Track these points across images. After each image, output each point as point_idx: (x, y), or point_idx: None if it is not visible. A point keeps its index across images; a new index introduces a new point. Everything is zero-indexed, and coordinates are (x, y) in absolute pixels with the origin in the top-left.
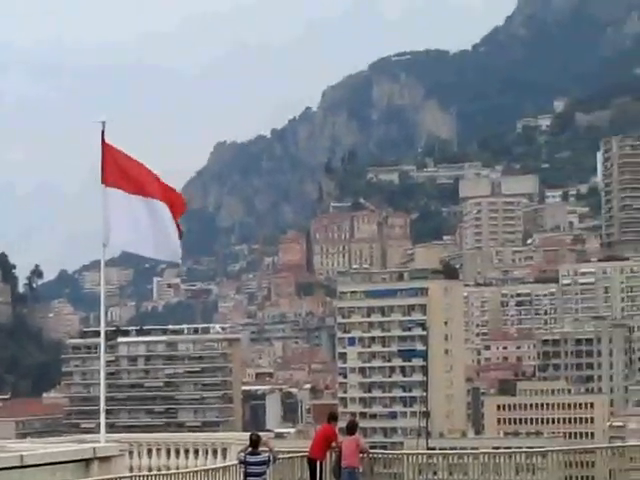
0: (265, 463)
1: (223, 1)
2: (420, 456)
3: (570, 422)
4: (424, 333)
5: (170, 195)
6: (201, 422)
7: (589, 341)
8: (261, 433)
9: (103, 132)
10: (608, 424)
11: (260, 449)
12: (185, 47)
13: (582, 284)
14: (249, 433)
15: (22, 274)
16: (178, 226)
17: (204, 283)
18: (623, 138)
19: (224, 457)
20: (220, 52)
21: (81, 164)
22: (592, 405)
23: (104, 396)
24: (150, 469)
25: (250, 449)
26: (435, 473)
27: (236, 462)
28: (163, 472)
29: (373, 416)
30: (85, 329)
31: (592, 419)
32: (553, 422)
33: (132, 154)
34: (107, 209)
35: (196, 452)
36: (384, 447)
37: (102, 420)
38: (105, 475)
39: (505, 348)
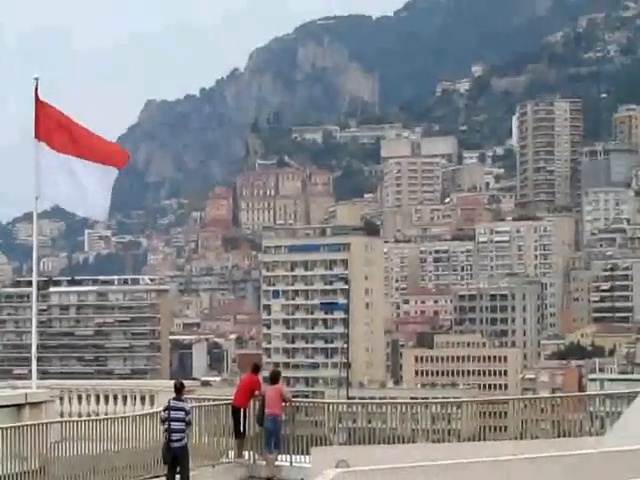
0: (184, 410)
1: None
2: (340, 405)
3: (485, 374)
4: (346, 287)
5: (109, 149)
6: (130, 370)
7: (503, 297)
8: (187, 381)
9: (37, 88)
10: (520, 377)
11: (183, 397)
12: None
13: (497, 242)
14: (175, 381)
15: None
16: (120, 157)
17: (134, 236)
18: (537, 103)
19: (152, 404)
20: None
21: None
22: (506, 358)
23: (36, 344)
24: (80, 415)
25: (174, 395)
26: (354, 421)
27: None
28: (92, 417)
29: (296, 366)
30: (18, 279)
31: (506, 372)
32: (468, 374)
33: (65, 110)
34: (39, 163)
35: (124, 399)
36: (306, 396)
37: (34, 367)
38: (36, 420)
39: (423, 302)
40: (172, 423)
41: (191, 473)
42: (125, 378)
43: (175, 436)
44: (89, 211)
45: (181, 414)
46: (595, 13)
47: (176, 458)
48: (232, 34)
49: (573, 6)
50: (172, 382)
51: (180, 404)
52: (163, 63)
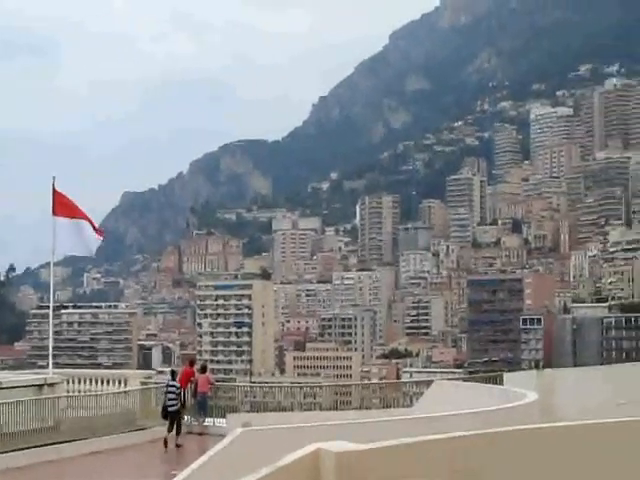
0: (176, 390)
1: None
2: (246, 386)
3: (338, 368)
4: (250, 312)
5: (92, 222)
6: (112, 363)
7: (350, 319)
8: (147, 371)
9: (53, 184)
10: (360, 370)
11: (175, 382)
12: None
13: (346, 284)
14: (170, 369)
15: (3, 269)
16: (99, 232)
17: (116, 278)
18: (372, 197)
19: (125, 385)
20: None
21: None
22: (351, 358)
23: (51, 346)
24: (80, 392)
25: (170, 378)
26: (255, 397)
27: (137, 388)
28: (87, 394)
29: (218, 362)
30: (41, 304)
31: (350, 367)
32: (327, 368)
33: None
34: (55, 230)
35: (108, 382)
36: (224, 381)
37: (50, 361)
38: (51, 395)
39: (299, 322)
40: (168, 395)
41: (151, 429)
42: (109, 368)
43: (170, 402)
44: (84, 251)
45: (174, 389)
46: (408, 141)
47: (173, 416)
48: (179, 149)
49: (395, 135)
50: (140, 372)
51: (173, 383)
52: (135, 167)
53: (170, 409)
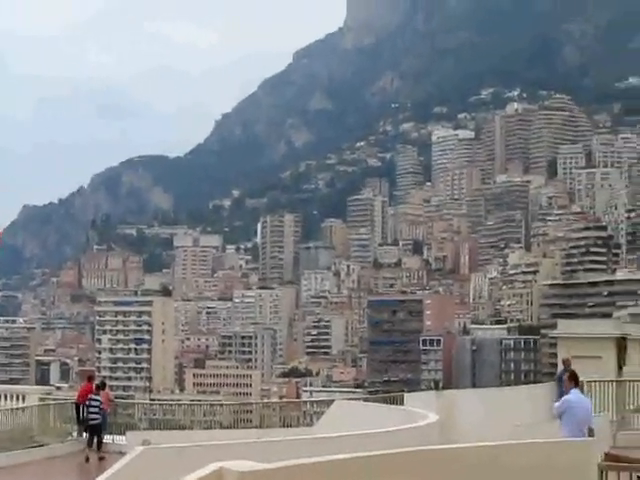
0: (97, 405)
1: None
2: (145, 403)
3: (238, 386)
4: (150, 329)
5: None
6: (9, 379)
7: (250, 337)
8: (46, 387)
9: None
10: (260, 388)
11: (97, 397)
12: None
13: (247, 302)
14: (97, 382)
15: None
16: None
17: (14, 292)
18: (273, 215)
19: (24, 401)
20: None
21: None
22: (251, 376)
23: None
24: None
25: (95, 392)
26: (154, 414)
27: (35, 404)
28: None
29: (116, 378)
30: None
31: (251, 384)
32: (227, 385)
33: None
34: None
35: (5, 397)
36: (123, 398)
37: None
38: None
39: (199, 339)
40: (90, 408)
41: (49, 446)
42: (5, 384)
43: (92, 416)
44: None
45: (96, 403)
46: (310, 160)
47: (94, 430)
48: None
49: (298, 154)
50: (38, 387)
51: (96, 397)
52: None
53: (91, 422)
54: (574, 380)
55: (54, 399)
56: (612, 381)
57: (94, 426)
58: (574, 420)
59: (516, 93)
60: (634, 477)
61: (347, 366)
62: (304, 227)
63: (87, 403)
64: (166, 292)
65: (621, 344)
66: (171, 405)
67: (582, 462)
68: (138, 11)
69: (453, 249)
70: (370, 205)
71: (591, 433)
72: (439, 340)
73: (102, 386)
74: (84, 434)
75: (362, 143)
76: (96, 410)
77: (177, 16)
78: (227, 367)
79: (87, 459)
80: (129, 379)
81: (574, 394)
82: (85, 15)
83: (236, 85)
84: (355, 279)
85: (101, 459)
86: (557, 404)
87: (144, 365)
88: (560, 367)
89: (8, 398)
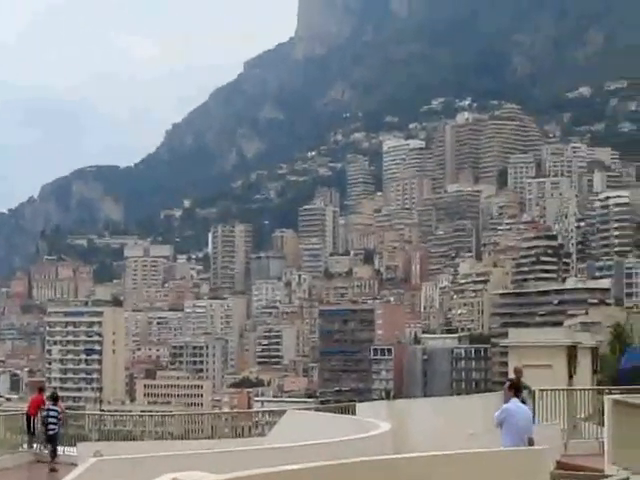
0: (56, 416)
1: None
2: (95, 415)
3: (189, 397)
4: (100, 339)
5: None
6: None
7: (201, 347)
8: None
9: None
10: (211, 398)
11: (55, 407)
12: None
13: (198, 312)
14: (51, 393)
15: None
16: None
17: None
18: (224, 226)
19: None
20: None
21: None
22: (202, 386)
23: None
24: None
25: (52, 402)
26: (105, 425)
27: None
28: None
29: (67, 389)
30: None
31: (202, 395)
32: (178, 396)
33: None
34: None
35: None
36: (74, 409)
37: None
38: None
39: (150, 349)
40: (49, 419)
41: (1, 457)
42: None
43: (50, 427)
44: None
45: (54, 413)
46: (261, 170)
47: (51, 440)
48: (29, 171)
49: (249, 164)
50: None
51: (54, 407)
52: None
53: (50, 433)
54: (514, 390)
55: (4, 410)
56: (563, 390)
57: (52, 436)
58: (514, 429)
59: (467, 103)
60: None
61: (298, 376)
62: (255, 237)
63: (45, 414)
64: (117, 302)
65: (572, 353)
66: (122, 416)
67: (534, 471)
68: (82, 18)
69: (404, 259)
70: (321, 215)
71: (531, 442)
72: (390, 349)
73: (53, 397)
74: (35, 445)
75: (313, 153)
76: (54, 420)
77: (124, 26)
78: (178, 377)
79: (52, 469)
80: (79, 390)
81: (513, 403)
82: (27, 20)
83: (187, 96)
84: (306, 289)
85: (52, 470)
86: (497, 413)
87: (95, 376)
88: (512, 375)
89: None
